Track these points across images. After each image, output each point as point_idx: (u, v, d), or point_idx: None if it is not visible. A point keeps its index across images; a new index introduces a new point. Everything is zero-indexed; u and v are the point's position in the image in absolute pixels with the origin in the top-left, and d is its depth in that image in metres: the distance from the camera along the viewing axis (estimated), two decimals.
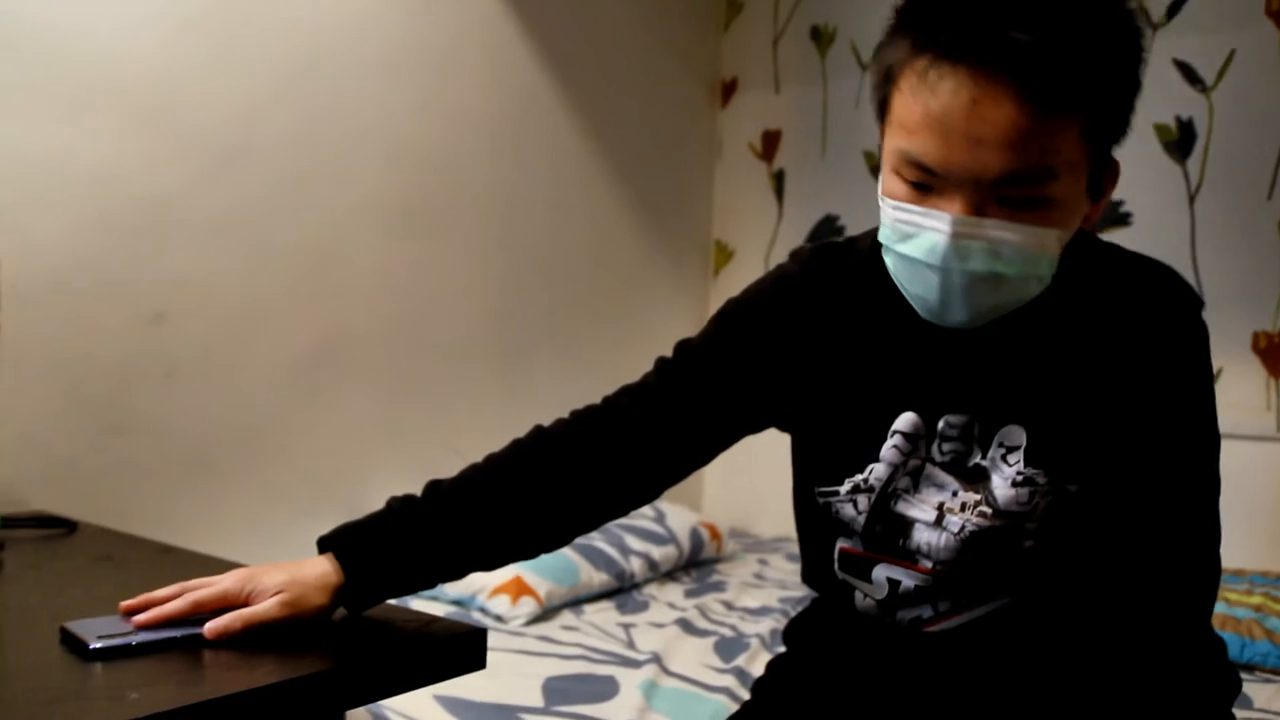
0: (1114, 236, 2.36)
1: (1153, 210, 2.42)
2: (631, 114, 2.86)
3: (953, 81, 0.84)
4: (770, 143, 3.06)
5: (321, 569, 0.98)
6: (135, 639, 0.90)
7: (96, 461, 1.80)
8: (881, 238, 0.95)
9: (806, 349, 1.06)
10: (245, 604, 0.95)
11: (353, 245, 2.19)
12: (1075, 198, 0.89)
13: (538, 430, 1.09)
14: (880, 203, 0.94)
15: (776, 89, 3.04)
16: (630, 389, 1.10)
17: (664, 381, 1.09)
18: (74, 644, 0.91)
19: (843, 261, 1.07)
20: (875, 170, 2.83)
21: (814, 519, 1.09)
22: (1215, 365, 2.59)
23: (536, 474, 1.05)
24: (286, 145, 2.06)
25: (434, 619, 1.05)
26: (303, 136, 2.08)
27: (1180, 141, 2.40)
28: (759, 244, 3.06)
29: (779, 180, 3.04)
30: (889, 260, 0.95)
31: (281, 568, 0.97)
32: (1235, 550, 2.23)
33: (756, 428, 1.12)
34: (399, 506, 1.03)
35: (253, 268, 2.02)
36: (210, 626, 0.92)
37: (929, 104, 0.85)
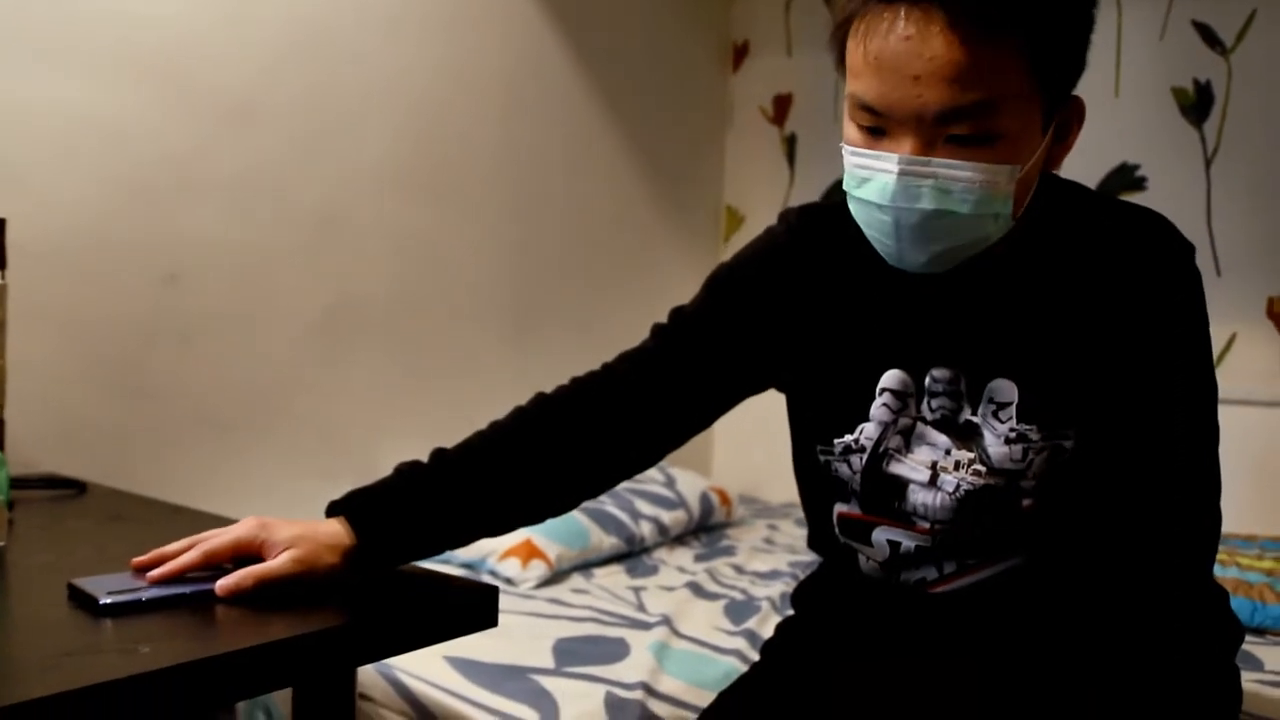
0: (1129, 200, 2.33)
1: (1168, 174, 2.39)
2: (642, 78, 2.83)
3: (890, 20, 0.85)
4: (782, 107, 3.03)
5: (333, 529, 0.97)
6: (145, 595, 0.90)
7: (109, 423, 1.80)
8: (844, 185, 0.94)
9: (796, 310, 1.06)
10: (258, 552, 0.95)
11: (365, 207, 2.17)
12: (1026, 133, 0.88)
13: (539, 397, 1.09)
14: (843, 151, 0.94)
15: (789, 52, 3.01)
16: (629, 355, 1.10)
17: (660, 347, 1.09)
18: (83, 600, 0.91)
19: (830, 221, 1.06)
20: None
21: (813, 481, 1.09)
22: (1229, 331, 2.58)
23: (540, 441, 1.05)
24: (298, 105, 2.04)
25: (446, 577, 1.05)
26: (314, 96, 2.06)
27: (1197, 105, 2.36)
28: (771, 209, 3.03)
29: (791, 145, 3.01)
30: (852, 207, 0.94)
31: (295, 523, 0.97)
32: (1246, 515, 2.23)
33: (754, 390, 1.12)
34: (407, 471, 1.03)
35: (265, 228, 2.01)
36: (222, 584, 0.92)
37: (869, 45, 0.86)
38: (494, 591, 1.02)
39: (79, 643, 0.82)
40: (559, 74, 2.58)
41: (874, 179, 0.89)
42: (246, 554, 0.95)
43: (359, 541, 0.98)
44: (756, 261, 1.09)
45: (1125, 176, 2.43)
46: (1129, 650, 0.92)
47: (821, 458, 1.06)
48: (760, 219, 3.05)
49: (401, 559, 1.01)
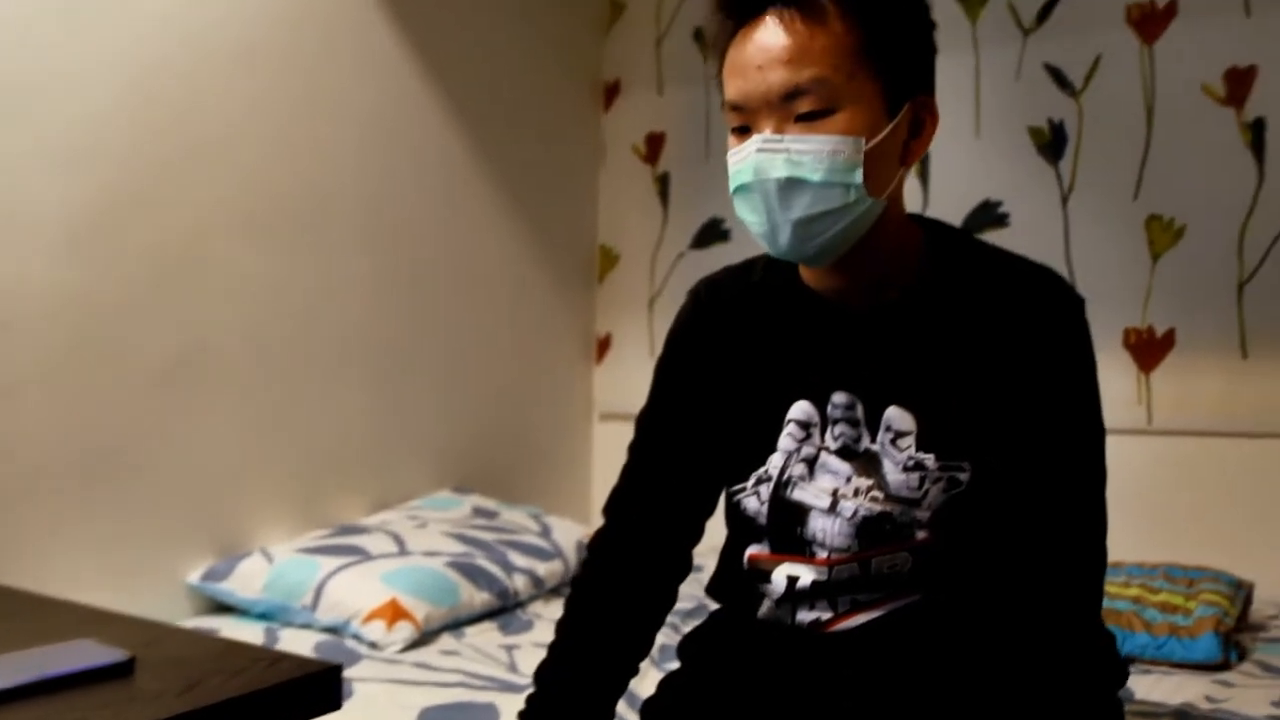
0: (992, 237, 2.38)
1: (1028, 211, 2.46)
2: (513, 116, 2.78)
3: (740, 33, 1.01)
4: (654, 145, 3.02)
5: None
6: None
7: None
8: (731, 193, 1.04)
9: (718, 366, 1.13)
10: None
11: (212, 249, 2.06)
12: (867, 110, 0.98)
13: (579, 585, 1.17)
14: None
15: (660, 90, 3.01)
16: (619, 490, 1.17)
17: (642, 459, 1.17)
18: None
19: (731, 282, 1.16)
20: None
21: (731, 525, 1.15)
22: None
23: (606, 619, 1.14)
24: (139, 140, 1.92)
25: (280, 656, 0.96)
26: (157, 130, 1.95)
27: (1053, 144, 2.44)
28: (644, 248, 3.01)
29: (663, 183, 3.00)
30: (736, 208, 1.04)
31: None
32: (1111, 542, 2.27)
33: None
34: (543, 691, 1.12)
35: (103, 273, 1.88)
36: None
37: (730, 56, 1.02)
38: (336, 671, 0.94)
39: None
40: (425, 111, 2.52)
41: (741, 168, 1.00)
42: None
43: None
44: (678, 336, 1.18)
45: (988, 213, 2.49)
46: (1022, 686, 0.97)
47: (734, 497, 1.11)
48: (635, 258, 3.03)
49: None
